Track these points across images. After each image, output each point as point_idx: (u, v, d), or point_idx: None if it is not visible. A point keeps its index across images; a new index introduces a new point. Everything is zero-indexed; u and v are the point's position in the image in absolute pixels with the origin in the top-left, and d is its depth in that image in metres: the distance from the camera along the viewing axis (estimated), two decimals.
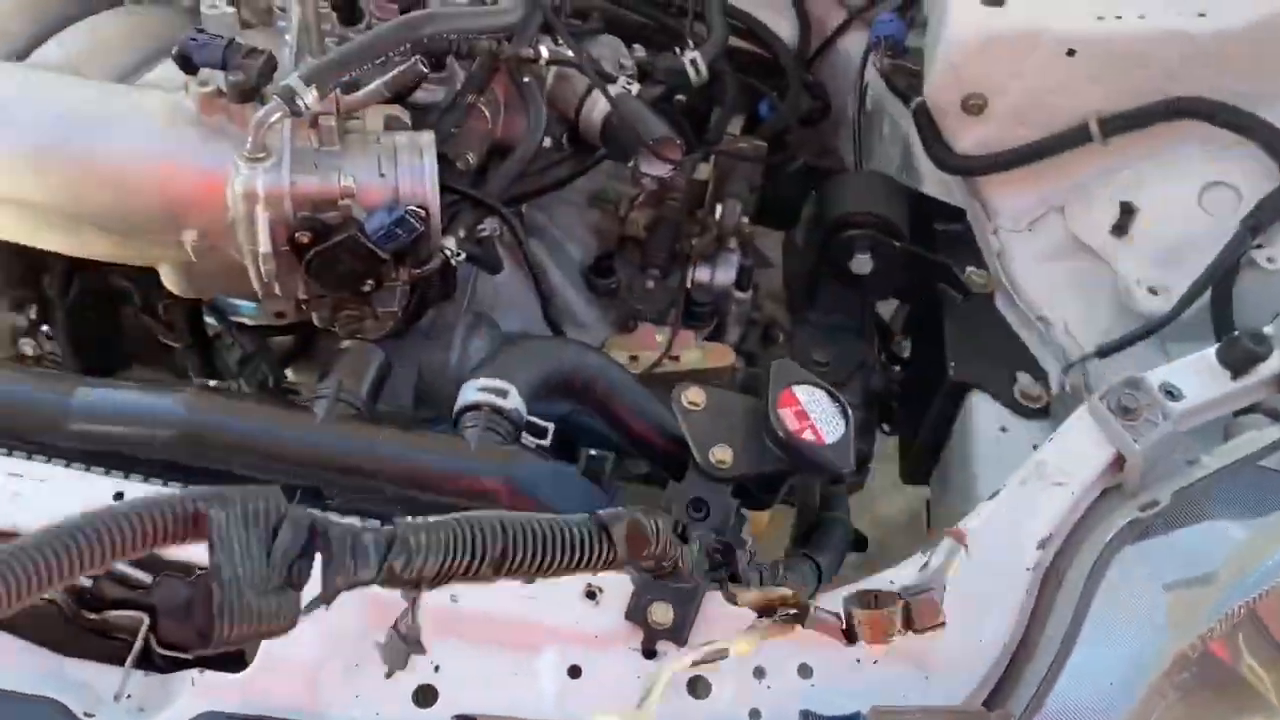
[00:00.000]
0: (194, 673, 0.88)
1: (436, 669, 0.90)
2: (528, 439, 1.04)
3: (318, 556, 0.60)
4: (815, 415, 1.01)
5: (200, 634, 0.93)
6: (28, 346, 1.43)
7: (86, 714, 0.86)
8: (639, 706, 0.86)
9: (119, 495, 0.94)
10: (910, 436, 1.57)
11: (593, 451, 1.02)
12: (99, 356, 1.47)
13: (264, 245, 1.03)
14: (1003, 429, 1.41)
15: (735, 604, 0.90)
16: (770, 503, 1.12)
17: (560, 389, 1.08)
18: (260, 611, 0.57)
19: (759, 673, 0.92)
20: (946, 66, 1.52)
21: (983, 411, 1.43)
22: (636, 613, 0.92)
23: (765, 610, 0.90)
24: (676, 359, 1.45)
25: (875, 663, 0.94)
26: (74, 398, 0.99)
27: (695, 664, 0.90)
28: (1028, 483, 1.02)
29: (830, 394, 1.03)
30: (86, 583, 0.90)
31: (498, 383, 1.03)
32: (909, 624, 0.84)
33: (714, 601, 0.93)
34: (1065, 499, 1.01)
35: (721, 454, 0.99)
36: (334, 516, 0.61)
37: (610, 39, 1.57)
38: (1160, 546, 0.96)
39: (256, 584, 0.57)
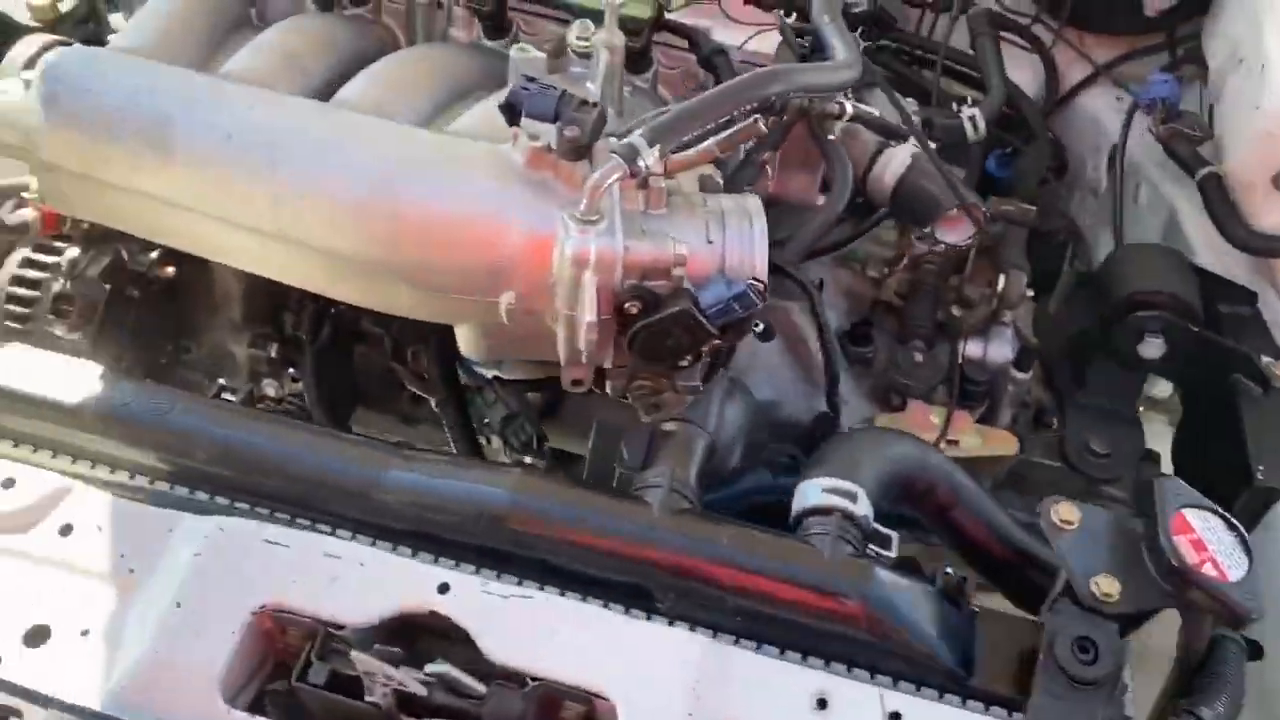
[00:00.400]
0: None
1: None
2: (873, 550, 0.93)
3: None
4: (1214, 546, 0.88)
5: None
6: (270, 387, 1.38)
7: None
8: None
9: (444, 586, 0.85)
10: None
11: (949, 569, 0.90)
12: (336, 398, 1.41)
13: (589, 314, 0.94)
14: None
15: None
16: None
17: (902, 492, 0.97)
18: None
19: None
20: (1264, 136, 1.38)
21: None
22: None
23: None
24: (955, 443, 1.33)
25: None
26: (389, 473, 0.90)
27: None
28: None
29: (1226, 521, 0.90)
30: (419, 689, 0.81)
31: (846, 485, 0.92)
32: None
33: None
34: None
35: (1108, 586, 0.87)
36: None
37: (881, 95, 1.46)
38: None
39: None
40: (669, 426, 1.01)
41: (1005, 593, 0.99)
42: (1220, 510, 0.90)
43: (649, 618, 0.87)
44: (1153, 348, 1.43)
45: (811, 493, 0.92)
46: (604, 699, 0.82)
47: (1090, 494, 1.42)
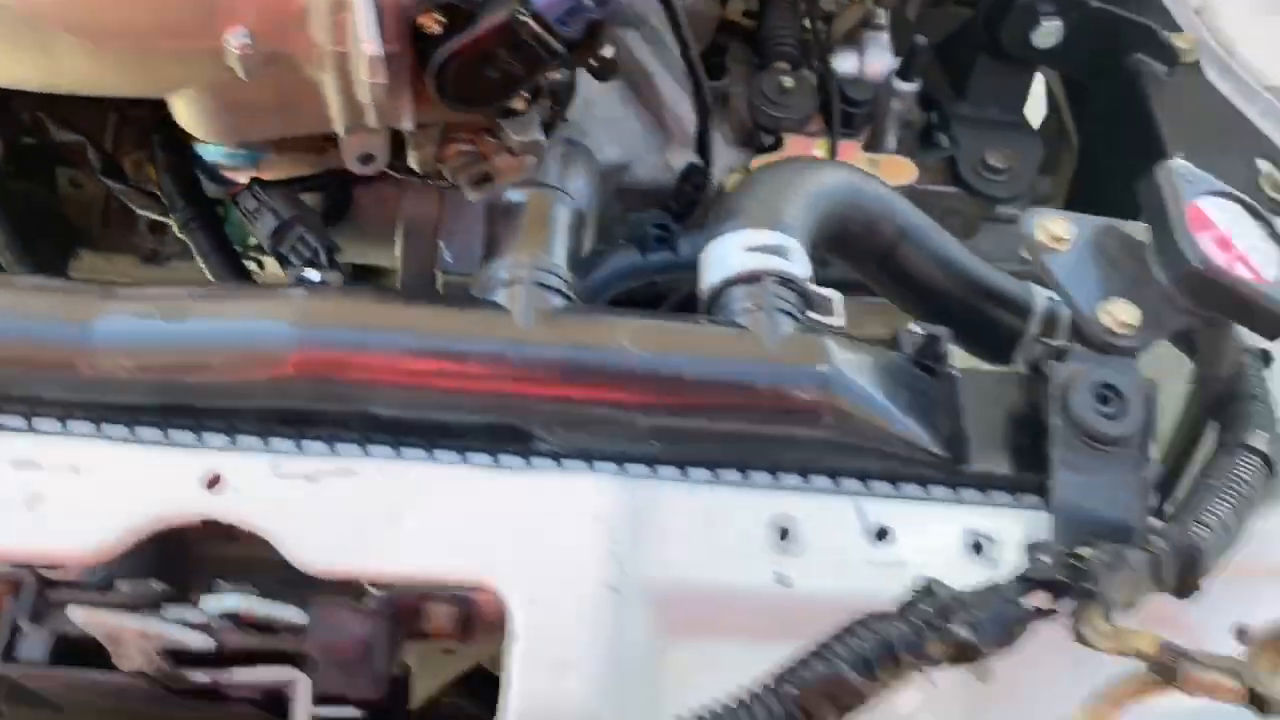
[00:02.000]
0: None
1: None
2: (814, 318, 0.68)
3: None
4: (1240, 241, 0.68)
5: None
6: None
7: None
8: None
9: (215, 479, 0.56)
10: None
11: (915, 326, 0.67)
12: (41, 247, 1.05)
13: (369, 44, 0.62)
14: None
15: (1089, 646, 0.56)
16: None
17: (837, 236, 0.71)
18: None
19: None
20: None
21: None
22: None
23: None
24: None
25: None
26: (100, 323, 0.59)
27: None
28: None
29: (1250, 208, 0.69)
30: (197, 641, 0.52)
31: (773, 238, 0.66)
32: None
33: None
34: None
35: (1126, 314, 0.65)
36: None
37: None
38: None
39: None
40: (513, 196, 0.72)
41: (971, 348, 0.77)
42: (1242, 196, 0.70)
43: (528, 462, 0.61)
44: (1049, 34, 1.21)
45: (731, 255, 0.66)
46: (486, 592, 0.56)
47: (992, 217, 1.24)
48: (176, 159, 0.95)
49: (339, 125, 0.70)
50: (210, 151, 0.98)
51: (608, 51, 0.75)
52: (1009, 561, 0.61)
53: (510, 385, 0.59)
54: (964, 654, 0.53)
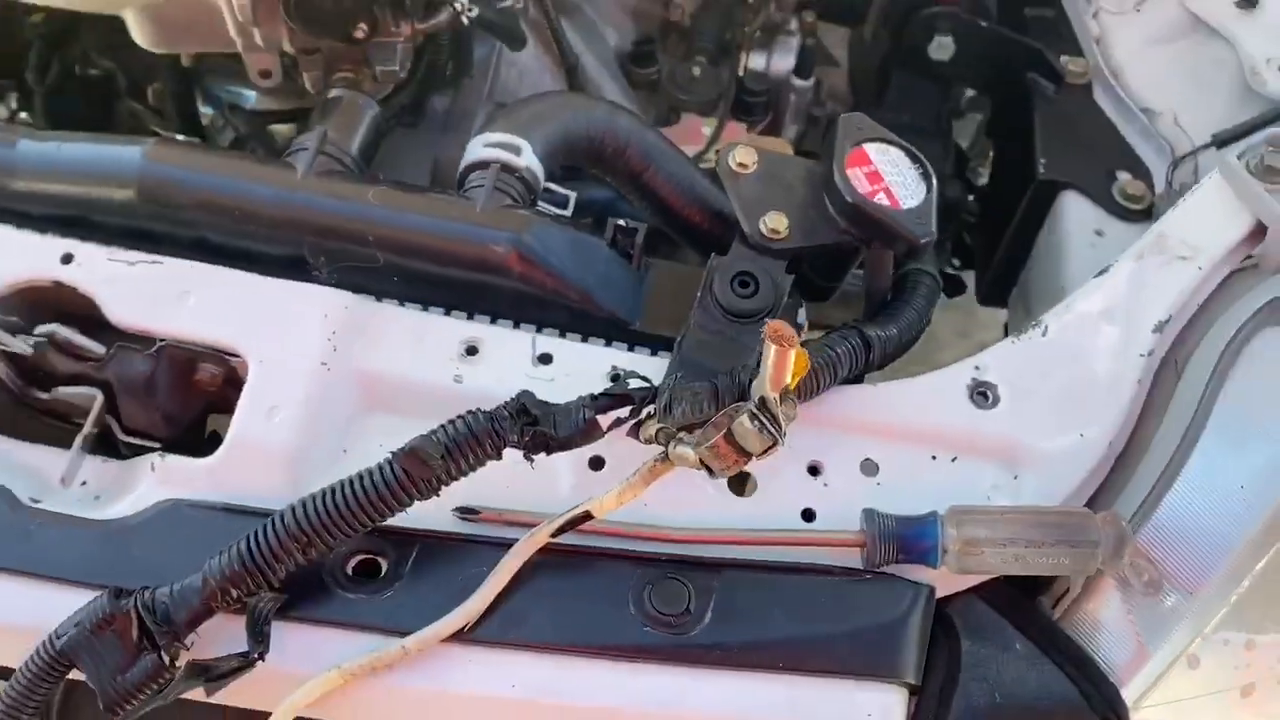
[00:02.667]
0: (154, 457, 0.76)
1: None
2: (545, 208, 0.88)
3: None
4: (891, 177, 0.84)
5: (164, 415, 0.82)
6: None
7: (33, 499, 0.75)
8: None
9: (68, 257, 0.80)
10: (989, 254, 1.40)
11: (621, 221, 0.86)
12: None
13: None
14: (1098, 232, 1.23)
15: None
16: (832, 292, 0.97)
17: (585, 153, 0.92)
18: None
19: (814, 470, 0.78)
20: None
21: (1075, 213, 1.24)
22: None
23: None
24: None
25: (954, 460, 0.79)
26: (17, 150, 0.85)
27: (555, 534, 0.72)
28: (1145, 258, 0.85)
29: (910, 153, 0.86)
30: (23, 349, 0.77)
31: (509, 138, 0.87)
32: (741, 451, 0.66)
33: None
34: (1190, 276, 0.84)
35: (775, 222, 0.83)
36: None
37: None
38: None
39: None
40: (333, 94, 0.95)
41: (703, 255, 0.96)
42: (905, 144, 0.86)
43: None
44: (942, 48, 1.37)
45: (474, 148, 0.87)
46: (236, 356, 0.79)
47: None
48: (180, 89, 1.22)
49: (238, 44, 0.95)
50: (215, 87, 1.25)
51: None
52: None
53: (283, 218, 0.82)
54: (542, 442, 0.71)
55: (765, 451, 0.65)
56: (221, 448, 0.75)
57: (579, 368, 0.80)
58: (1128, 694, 0.74)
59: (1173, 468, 0.77)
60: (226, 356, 0.79)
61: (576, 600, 0.72)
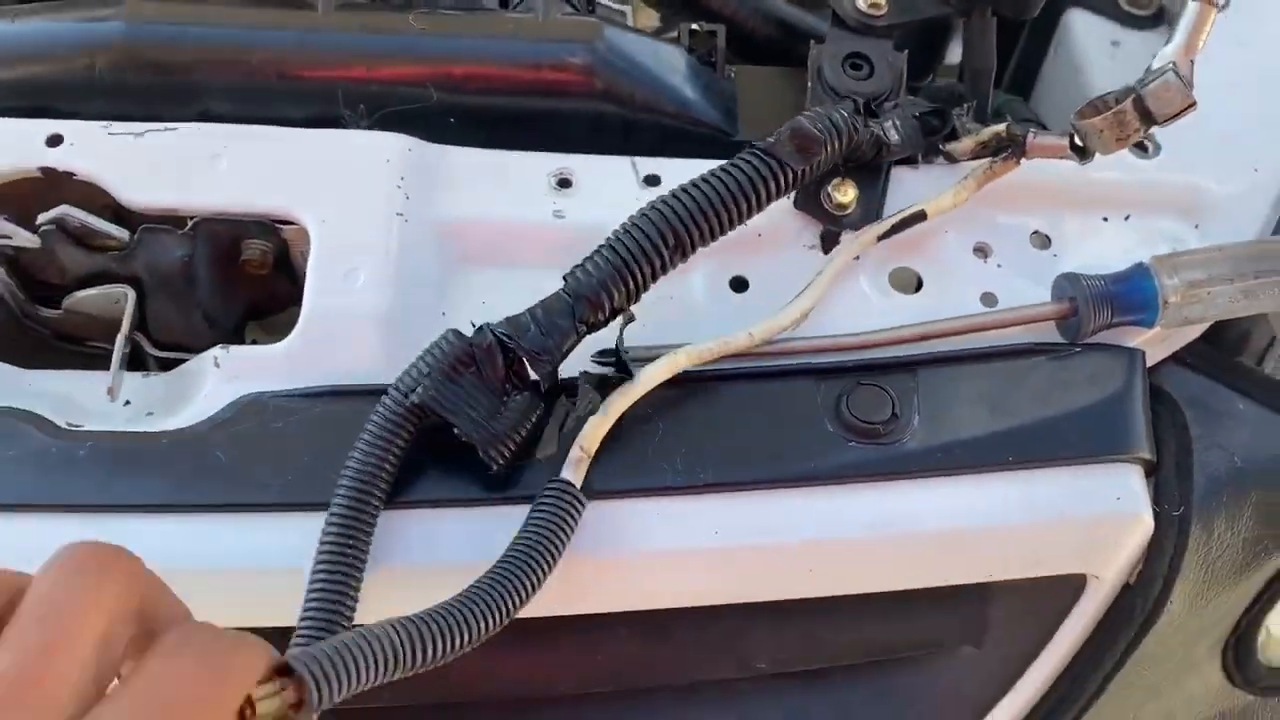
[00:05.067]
0: (217, 351, 0.62)
1: None
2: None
3: None
4: None
5: (205, 314, 0.67)
6: None
7: (71, 425, 0.60)
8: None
9: (56, 139, 0.65)
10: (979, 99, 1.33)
11: (695, 26, 0.75)
12: None
13: None
14: (1114, 43, 1.17)
15: (955, 161, 0.69)
16: (929, 71, 0.87)
17: None
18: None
19: (981, 251, 0.69)
20: None
21: (1085, 28, 1.17)
22: (808, 201, 0.68)
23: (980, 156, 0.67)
24: None
25: (1127, 218, 0.70)
26: None
27: (884, 236, 0.66)
28: None
29: None
30: (29, 240, 0.62)
31: None
32: (1149, 118, 0.60)
33: (908, 181, 0.69)
34: None
35: None
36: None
37: None
38: None
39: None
40: None
41: None
42: None
43: None
44: None
45: None
46: (290, 223, 0.65)
47: None
48: None
49: None
50: None
51: None
52: None
53: (312, 64, 0.68)
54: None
55: (1179, 114, 0.60)
56: (299, 324, 0.61)
57: None
58: None
59: None
60: (278, 225, 0.65)
61: (768, 428, 0.61)
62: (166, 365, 0.67)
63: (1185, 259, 0.64)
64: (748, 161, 0.61)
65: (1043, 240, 0.69)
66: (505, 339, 0.57)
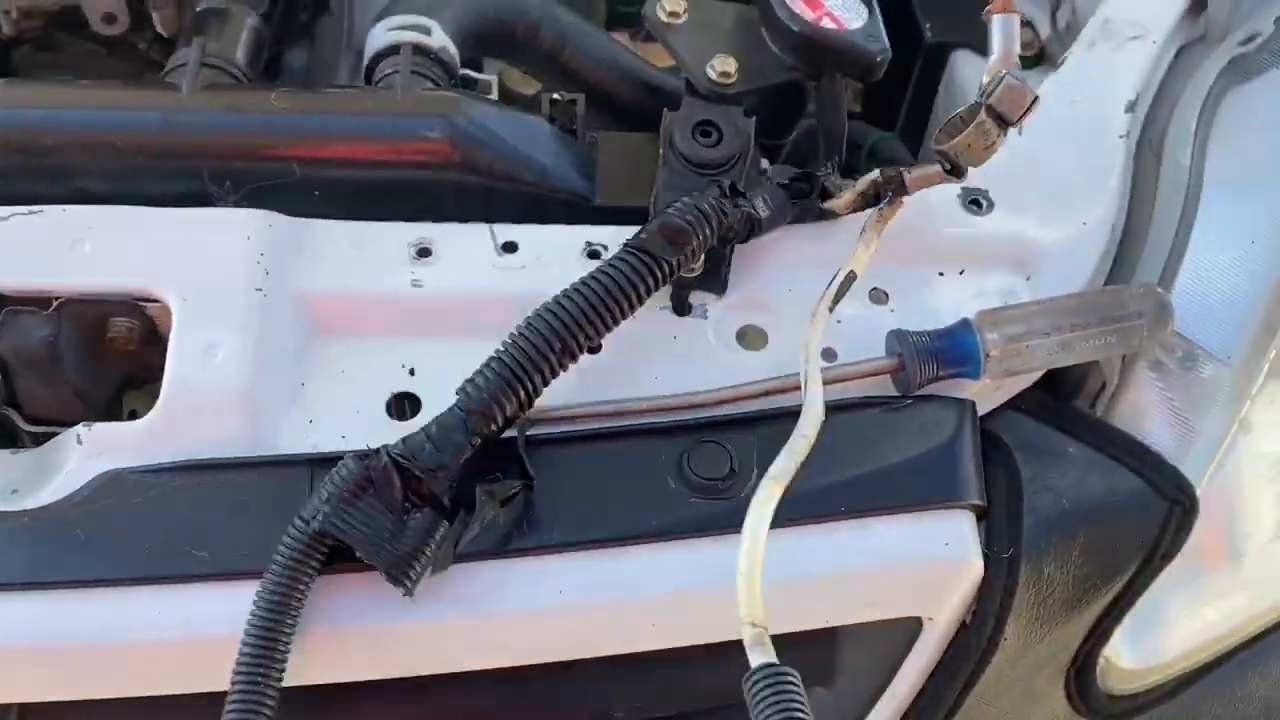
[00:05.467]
0: (79, 429, 0.64)
1: (411, 372, 0.68)
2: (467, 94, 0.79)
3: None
4: (830, 2, 0.79)
5: (76, 390, 0.69)
6: None
7: None
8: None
9: None
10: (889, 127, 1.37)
11: (556, 96, 0.79)
12: None
13: None
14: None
15: (837, 216, 0.74)
16: (780, 150, 0.91)
17: (495, 37, 0.83)
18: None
19: None
20: None
21: (972, 70, 1.23)
22: None
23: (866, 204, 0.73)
24: None
25: (963, 273, 0.74)
26: None
27: (833, 307, 0.69)
28: (1096, 45, 0.83)
29: None
30: None
31: (416, 18, 0.78)
32: (1004, 121, 0.65)
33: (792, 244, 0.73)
34: (1146, 53, 0.82)
35: (723, 65, 0.76)
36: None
37: None
38: (1274, 81, 0.77)
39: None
40: (202, 5, 0.83)
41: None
42: None
43: None
44: None
45: (377, 35, 0.78)
46: (154, 300, 0.67)
47: None
48: None
49: None
50: None
51: None
52: None
53: (177, 144, 0.71)
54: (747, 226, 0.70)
55: (1026, 112, 0.65)
56: (160, 400, 0.64)
57: (549, 251, 0.72)
58: (1187, 474, 0.71)
59: (1180, 241, 0.74)
60: (142, 304, 0.67)
61: (612, 486, 0.64)
62: (43, 439, 0.69)
63: (1006, 314, 0.67)
64: (624, 261, 0.64)
65: (881, 296, 0.73)
66: (400, 459, 0.59)
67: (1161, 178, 0.77)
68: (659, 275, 0.65)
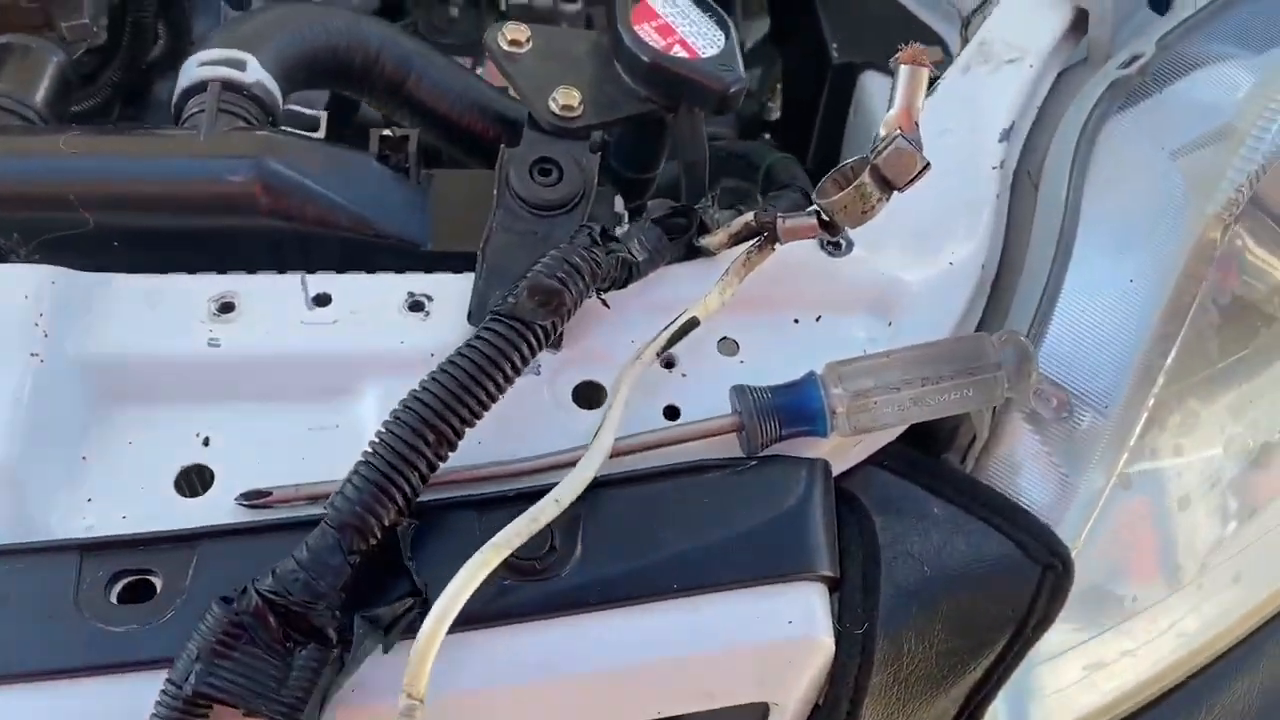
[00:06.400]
0: None
1: (206, 442, 0.62)
2: (291, 132, 0.73)
3: None
4: (683, 28, 0.74)
5: None
6: None
7: None
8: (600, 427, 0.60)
9: None
10: (802, 155, 1.33)
11: (386, 131, 0.73)
12: None
13: None
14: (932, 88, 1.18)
15: (713, 254, 0.69)
16: (648, 185, 0.85)
17: (330, 68, 0.77)
18: None
19: (667, 364, 0.66)
20: None
21: (880, 90, 1.18)
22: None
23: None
24: None
25: (819, 319, 0.68)
26: None
27: (663, 351, 0.63)
28: (971, 68, 0.77)
29: (698, 0, 0.75)
30: None
31: (230, 53, 0.72)
32: (888, 186, 0.60)
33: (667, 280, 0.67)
34: (1023, 77, 0.76)
35: (566, 98, 0.71)
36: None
37: None
38: (1155, 109, 0.72)
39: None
40: (1, 41, 0.77)
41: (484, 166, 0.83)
42: None
43: None
44: None
45: (187, 71, 0.72)
46: None
47: None
48: None
49: None
50: None
51: None
52: (448, 315, 0.66)
53: None
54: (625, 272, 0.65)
55: (914, 179, 0.60)
56: None
57: (367, 302, 0.66)
58: (1063, 534, 0.65)
59: (1054, 279, 0.69)
60: None
61: (423, 568, 0.57)
62: None
63: (854, 367, 0.62)
64: (493, 332, 0.57)
65: (731, 347, 0.67)
66: (272, 596, 0.52)
67: (1038, 211, 0.71)
68: (533, 342, 0.58)
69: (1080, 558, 0.65)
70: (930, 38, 1.20)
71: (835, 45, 1.21)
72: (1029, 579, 0.64)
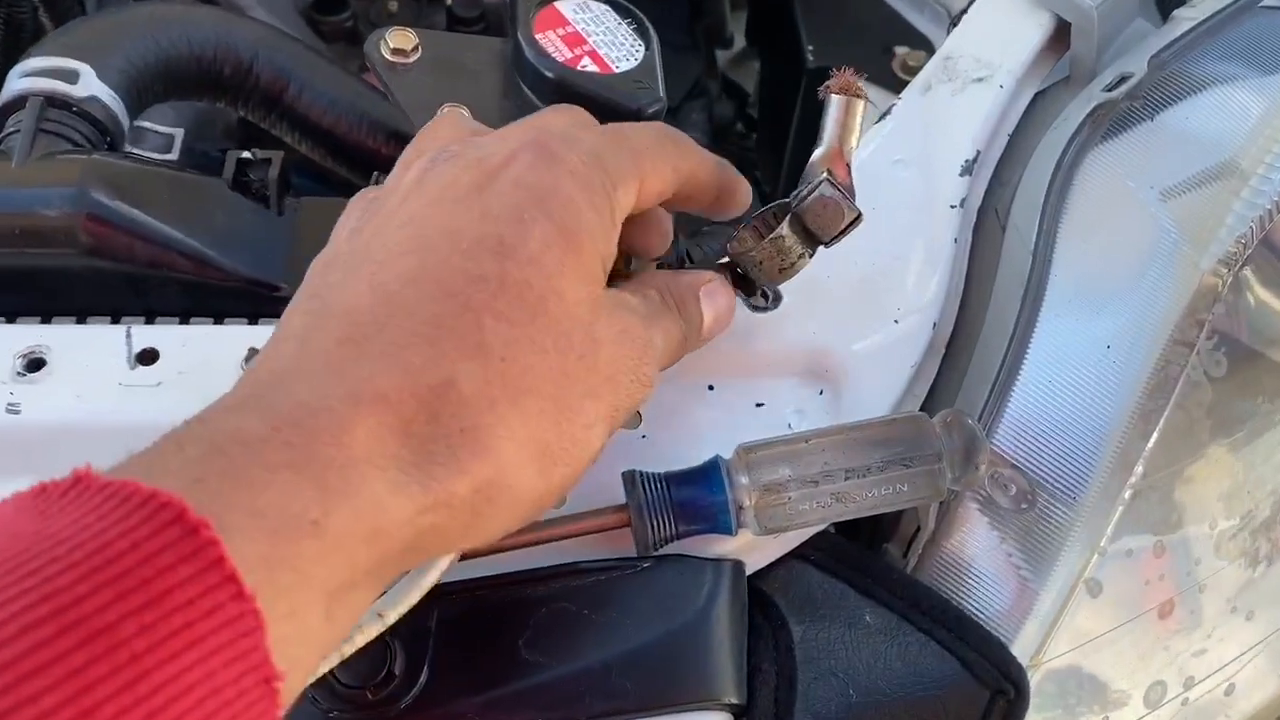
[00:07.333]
0: None
1: None
2: (138, 154, 0.64)
3: None
4: (597, 37, 0.63)
5: None
6: None
7: None
8: None
9: None
10: (777, 161, 1.23)
11: (246, 154, 0.62)
12: None
13: None
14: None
15: None
16: None
17: (194, 78, 0.67)
18: None
19: None
20: None
21: None
22: None
23: None
24: None
25: (737, 386, 0.58)
26: None
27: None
28: (933, 88, 0.66)
29: (616, 5, 0.65)
30: None
31: (60, 62, 0.61)
32: (813, 239, 0.51)
33: None
34: (992, 99, 0.65)
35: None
36: None
37: None
38: (1144, 139, 0.61)
39: None
40: None
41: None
42: None
43: None
44: None
45: (11, 81, 0.62)
46: None
47: None
48: None
49: None
50: None
51: None
52: None
53: None
54: None
55: (843, 232, 0.51)
56: None
57: (200, 358, 0.56)
58: (1020, 649, 0.55)
59: (1018, 343, 0.58)
60: None
61: None
62: None
63: (767, 452, 0.51)
64: None
65: (632, 417, 0.57)
66: None
67: (1003, 259, 0.61)
68: None
69: (1044, 676, 0.55)
70: (916, 40, 1.11)
71: (811, 48, 1.12)
72: (975, 706, 0.53)
